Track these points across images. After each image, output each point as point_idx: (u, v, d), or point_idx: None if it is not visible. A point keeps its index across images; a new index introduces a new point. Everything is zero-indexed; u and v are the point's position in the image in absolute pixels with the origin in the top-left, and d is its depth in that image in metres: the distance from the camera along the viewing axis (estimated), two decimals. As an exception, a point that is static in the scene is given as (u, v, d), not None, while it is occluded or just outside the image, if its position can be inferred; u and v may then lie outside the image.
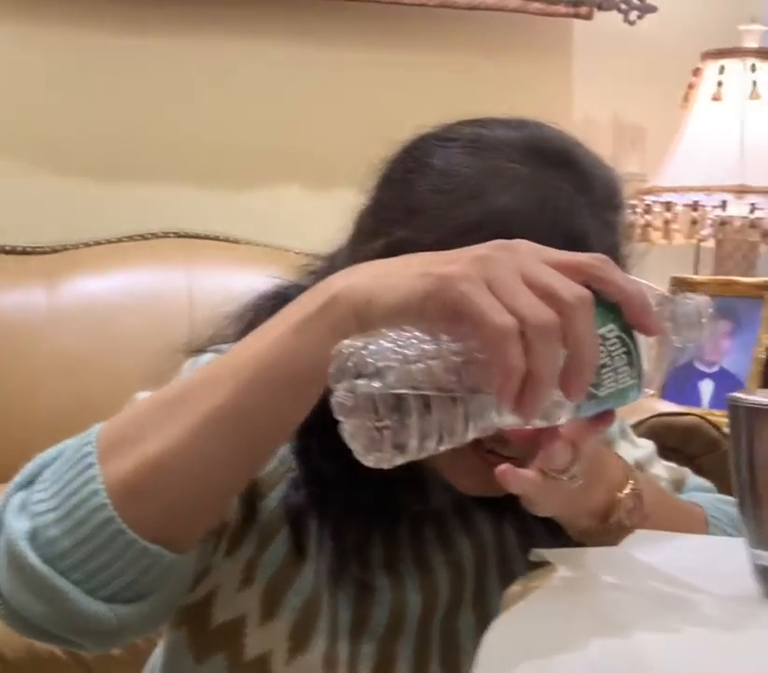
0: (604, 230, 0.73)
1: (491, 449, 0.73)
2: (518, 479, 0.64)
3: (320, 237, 0.83)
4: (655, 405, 1.84)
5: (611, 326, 0.59)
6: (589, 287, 0.58)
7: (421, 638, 0.79)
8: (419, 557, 0.80)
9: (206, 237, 2.06)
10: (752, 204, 2.11)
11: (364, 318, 0.59)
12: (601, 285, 0.58)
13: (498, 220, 0.70)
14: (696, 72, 2.25)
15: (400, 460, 0.55)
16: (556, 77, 2.58)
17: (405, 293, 0.57)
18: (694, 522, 0.79)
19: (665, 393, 2.04)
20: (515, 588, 0.62)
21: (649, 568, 0.63)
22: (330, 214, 0.79)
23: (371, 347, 0.54)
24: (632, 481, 0.72)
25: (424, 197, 0.74)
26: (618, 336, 0.59)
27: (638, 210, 2.21)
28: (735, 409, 0.58)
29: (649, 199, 2.20)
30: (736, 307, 2.09)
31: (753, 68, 2.17)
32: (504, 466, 0.64)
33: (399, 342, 0.54)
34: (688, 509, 0.84)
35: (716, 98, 2.18)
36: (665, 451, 1.80)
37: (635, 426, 1.77)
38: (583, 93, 2.63)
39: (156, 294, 1.89)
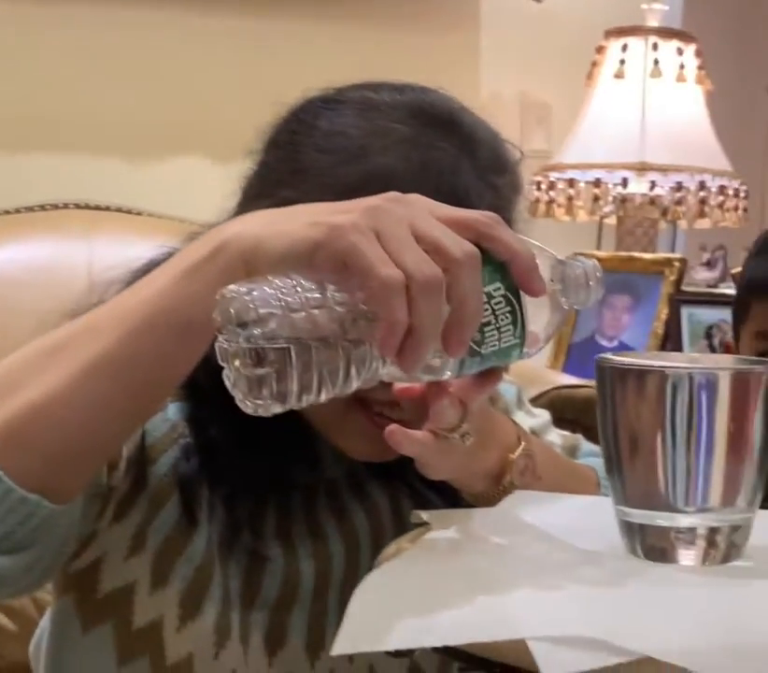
0: (488, 191, 0.73)
1: (381, 412, 0.74)
2: (407, 439, 0.65)
3: (222, 208, 0.82)
4: (555, 378, 1.87)
5: (498, 285, 0.59)
6: (478, 245, 0.58)
7: (316, 608, 0.79)
8: (313, 527, 0.80)
9: (107, 209, 2.03)
10: (652, 181, 2.15)
11: (253, 264, 0.58)
12: (490, 243, 0.59)
13: (381, 180, 0.70)
14: (599, 50, 2.28)
15: (279, 408, 0.55)
16: (463, 53, 2.58)
17: (294, 240, 0.57)
18: (586, 484, 0.81)
19: (566, 367, 2.07)
20: (390, 548, 0.63)
21: (526, 527, 0.64)
22: (231, 185, 0.79)
23: (254, 293, 0.54)
24: (524, 443, 0.73)
25: (309, 158, 0.74)
26: (503, 296, 0.60)
27: (542, 187, 2.24)
28: (601, 370, 0.59)
29: (553, 176, 2.23)
30: (636, 282, 2.13)
31: (654, 47, 2.20)
32: (392, 427, 0.65)
33: (283, 290, 0.54)
34: (580, 472, 0.85)
35: (618, 76, 2.20)
36: (564, 423, 1.84)
37: (536, 398, 1.79)
38: (490, 70, 2.64)
39: (55, 267, 1.85)
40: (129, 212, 2.05)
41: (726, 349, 1.09)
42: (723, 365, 0.59)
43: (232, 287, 0.54)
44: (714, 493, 0.56)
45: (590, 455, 0.92)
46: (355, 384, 0.56)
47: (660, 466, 0.56)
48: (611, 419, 0.58)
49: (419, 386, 0.67)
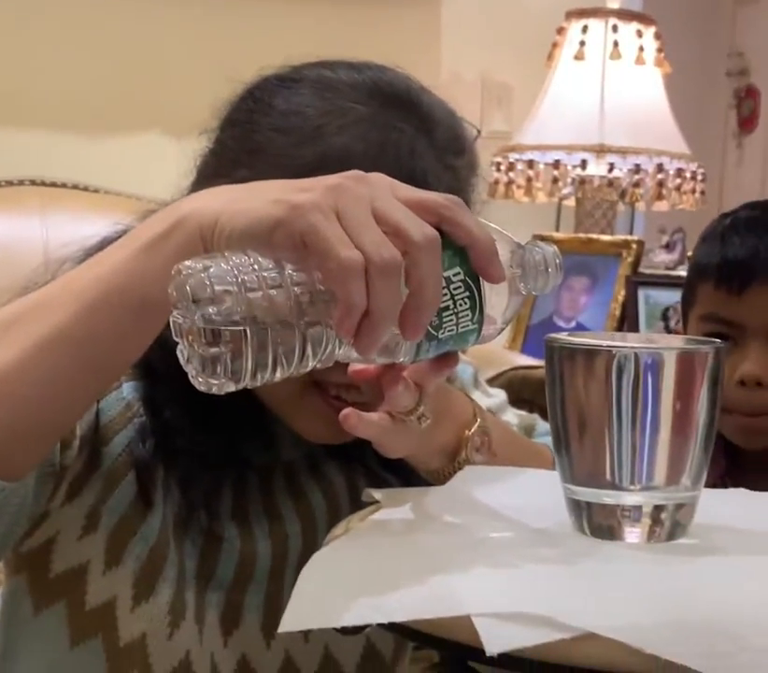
0: (446, 173, 0.73)
1: (338, 395, 0.74)
2: (363, 422, 0.65)
3: (178, 186, 0.82)
4: (513, 358, 1.88)
5: (457, 270, 0.59)
6: (439, 228, 0.58)
7: (272, 588, 0.79)
8: (270, 508, 0.80)
9: (64, 186, 2.01)
10: (611, 163, 2.15)
11: (211, 241, 0.58)
12: (450, 227, 0.58)
13: (338, 160, 0.69)
14: (560, 31, 2.27)
15: (233, 387, 0.54)
16: (424, 34, 2.57)
17: (254, 218, 0.56)
18: (541, 462, 0.81)
19: (524, 348, 2.08)
20: (339, 527, 0.63)
21: (475, 506, 0.64)
22: (188, 162, 0.78)
23: (211, 270, 0.53)
24: (479, 420, 0.74)
25: (265, 138, 0.73)
26: (462, 281, 0.59)
27: (502, 168, 2.24)
28: (551, 350, 0.59)
29: (513, 157, 2.23)
30: (594, 264, 2.14)
31: (614, 29, 2.20)
32: (347, 411, 0.65)
33: (241, 267, 0.54)
34: (535, 450, 0.86)
35: (578, 57, 2.20)
36: (521, 403, 1.85)
37: (494, 379, 1.80)
38: (450, 50, 2.63)
39: (10, 244, 1.83)
40: (85, 189, 2.03)
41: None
42: (671, 345, 0.59)
43: (188, 263, 0.54)
44: (659, 471, 0.57)
45: (546, 435, 0.92)
46: (311, 364, 0.56)
47: (606, 445, 0.57)
48: (559, 398, 0.59)
49: (374, 367, 0.67)
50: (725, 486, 0.99)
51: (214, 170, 0.76)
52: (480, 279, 0.60)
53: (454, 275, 0.59)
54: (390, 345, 0.59)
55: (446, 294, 0.59)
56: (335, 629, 0.53)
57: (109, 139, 2.21)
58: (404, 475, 0.77)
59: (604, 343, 0.57)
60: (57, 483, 0.72)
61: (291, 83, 0.76)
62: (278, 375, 0.55)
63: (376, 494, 0.67)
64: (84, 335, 0.60)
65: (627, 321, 2.02)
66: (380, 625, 0.50)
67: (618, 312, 2.03)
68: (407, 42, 2.46)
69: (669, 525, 0.58)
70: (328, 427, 0.71)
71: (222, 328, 0.53)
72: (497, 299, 0.61)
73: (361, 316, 0.55)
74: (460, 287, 0.59)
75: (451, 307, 0.59)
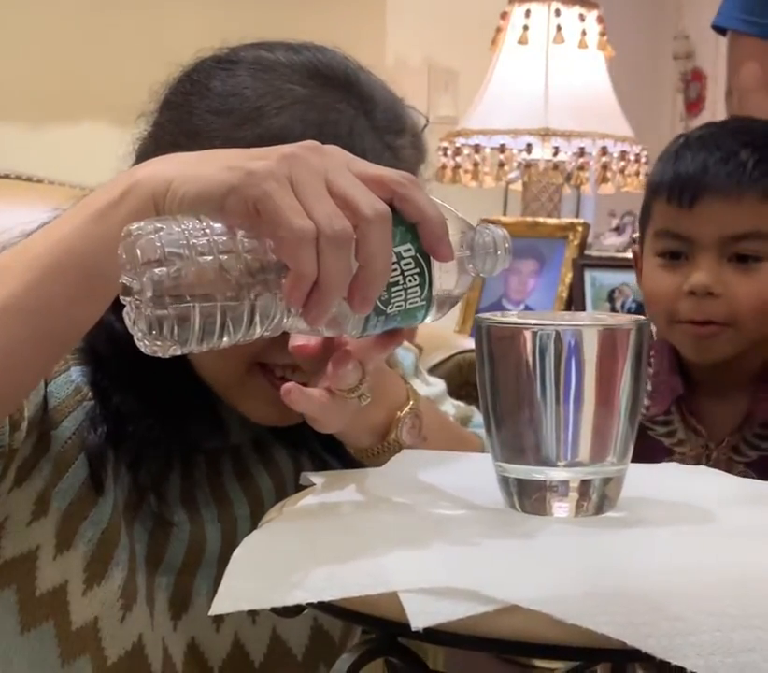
0: (386, 153, 0.73)
1: (284, 376, 0.74)
2: (303, 398, 0.65)
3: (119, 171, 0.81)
4: (462, 342, 1.89)
5: (408, 246, 0.59)
6: (392, 205, 0.58)
7: (222, 572, 0.78)
8: (218, 492, 0.80)
9: (7, 177, 1.98)
10: (555, 147, 2.17)
11: (163, 206, 0.57)
12: (402, 204, 0.59)
13: (277, 141, 0.69)
14: (503, 15, 2.28)
15: (178, 351, 0.54)
16: (369, 20, 2.57)
17: (207, 183, 0.56)
18: (470, 449, 0.82)
19: (473, 332, 2.09)
20: (273, 510, 0.63)
21: (408, 486, 0.65)
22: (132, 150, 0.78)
23: (161, 232, 0.53)
24: (412, 402, 0.74)
25: (203, 120, 0.73)
26: (413, 257, 0.60)
27: (449, 153, 2.24)
28: (479, 329, 0.60)
29: (459, 142, 2.24)
30: (541, 247, 2.16)
31: (557, 13, 2.21)
32: (289, 385, 0.65)
33: (192, 231, 0.53)
34: (465, 437, 0.87)
35: (522, 42, 2.21)
36: (470, 386, 1.85)
37: (443, 362, 1.81)
38: (396, 37, 2.63)
39: (-49, 236, 1.81)
40: (28, 179, 2.00)
41: (634, 258, 1.15)
42: (593, 322, 0.60)
43: (138, 224, 0.53)
44: (584, 447, 0.58)
45: (481, 427, 0.93)
46: (258, 332, 0.56)
47: (532, 422, 0.58)
48: (487, 376, 0.60)
49: (314, 343, 0.67)
50: (680, 411, 1.08)
51: (153, 153, 0.76)
52: (430, 257, 0.60)
53: (405, 251, 0.59)
54: (338, 317, 0.59)
55: (396, 270, 0.59)
56: (275, 612, 0.54)
57: (53, 129, 2.19)
58: (347, 458, 0.78)
59: (527, 321, 0.58)
60: (5, 467, 0.72)
61: (229, 65, 0.75)
62: (226, 341, 0.55)
63: (314, 477, 0.68)
64: (37, 303, 0.59)
65: (574, 302, 2.04)
66: (311, 605, 0.50)
67: (565, 294, 2.05)
68: (352, 28, 2.46)
69: (596, 499, 0.59)
70: (274, 409, 0.71)
71: (171, 291, 0.52)
72: (446, 278, 0.62)
73: (310, 286, 0.55)
74: (410, 263, 0.60)
75: (401, 282, 0.60)
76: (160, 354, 0.54)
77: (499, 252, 0.63)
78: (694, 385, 1.09)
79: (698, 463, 1.07)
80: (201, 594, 0.79)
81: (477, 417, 0.95)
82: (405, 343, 0.97)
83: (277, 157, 0.56)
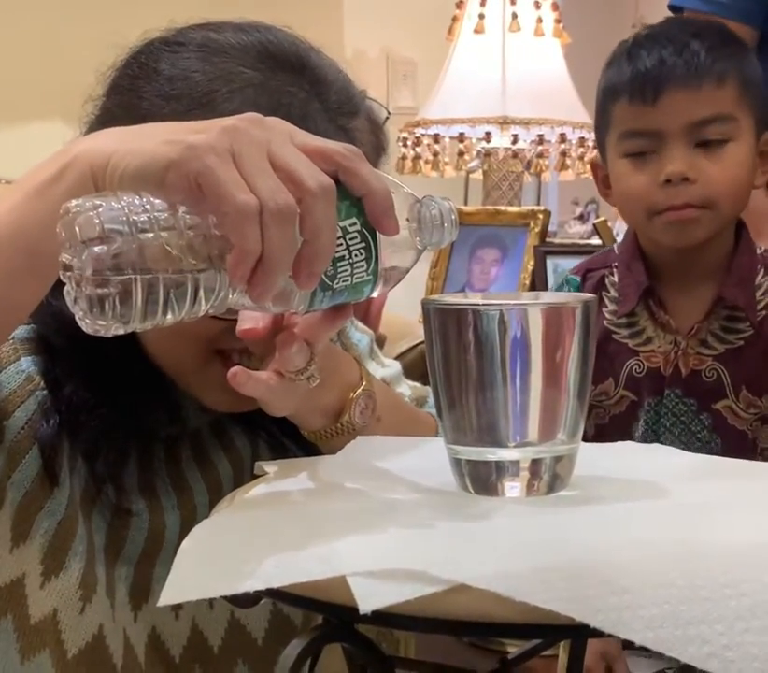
0: (339, 135, 0.73)
1: (240, 362, 0.74)
2: (251, 380, 0.65)
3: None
4: (426, 332, 1.88)
5: (354, 220, 0.59)
6: (337, 179, 0.57)
7: None
8: (177, 479, 0.80)
9: (-37, 177, 1.97)
10: (514, 135, 2.17)
11: (102, 181, 0.56)
12: (347, 177, 0.58)
13: None
14: (459, 5, 2.28)
15: (121, 330, 0.53)
16: (327, 13, 2.56)
17: (147, 158, 0.55)
18: (425, 430, 0.82)
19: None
20: (225, 499, 0.63)
21: (361, 471, 0.65)
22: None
23: (101, 209, 0.52)
24: (365, 383, 0.74)
25: (152, 104, 0.72)
26: (359, 231, 0.59)
27: (409, 143, 2.24)
28: (425, 311, 0.60)
29: (418, 132, 2.23)
30: (503, 235, 2.15)
31: (512, 1, 2.21)
32: (236, 369, 0.65)
33: (132, 207, 0.52)
34: (420, 417, 0.86)
35: (478, 31, 2.21)
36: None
37: (408, 351, 1.81)
38: (354, 28, 2.62)
39: None
40: (-16, 180, 1.99)
41: (593, 169, 1.21)
42: (538, 300, 0.60)
43: (77, 201, 0.52)
44: (533, 426, 0.58)
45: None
46: (203, 309, 0.55)
47: (481, 403, 0.57)
48: (436, 358, 0.59)
49: (262, 327, 0.67)
50: (647, 306, 1.15)
51: None
52: (376, 231, 0.60)
53: (350, 225, 0.59)
54: (284, 293, 0.58)
55: (341, 244, 0.58)
56: (230, 601, 0.53)
57: (7, 128, 2.17)
58: (304, 441, 0.77)
59: (472, 302, 0.57)
60: None
61: (177, 47, 0.74)
62: (170, 318, 0.54)
63: (267, 466, 0.67)
64: None
65: (537, 290, 2.04)
66: (260, 592, 0.50)
67: (528, 282, 2.05)
68: (310, 20, 2.43)
69: (548, 479, 0.58)
70: (230, 395, 0.71)
71: (111, 269, 0.51)
72: (393, 252, 0.61)
73: (255, 262, 0.54)
74: (356, 237, 0.59)
75: (347, 257, 0.59)
76: (102, 333, 0.53)
77: (445, 225, 0.63)
78: (660, 279, 1.15)
79: (667, 361, 1.13)
80: (160, 583, 0.77)
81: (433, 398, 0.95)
82: (361, 326, 0.97)
83: (218, 130, 0.55)
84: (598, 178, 1.19)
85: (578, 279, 1.20)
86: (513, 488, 0.58)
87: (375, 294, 0.63)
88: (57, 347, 0.75)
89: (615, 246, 1.23)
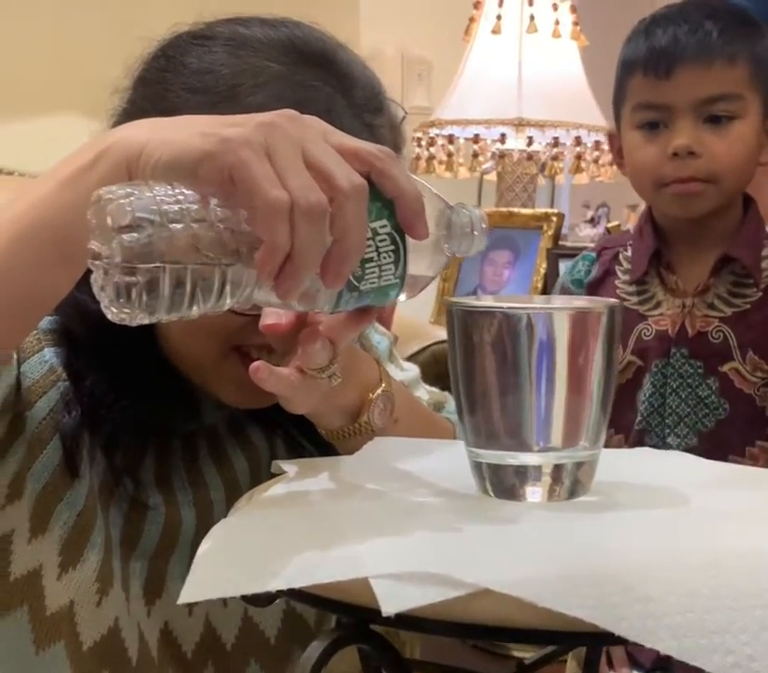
0: (364, 132, 0.73)
1: (259, 358, 0.73)
2: (273, 377, 0.64)
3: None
4: (438, 332, 1.88)
5: (384, 222, 0.58)
6: (370, 180, 0.57)
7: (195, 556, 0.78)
8: (194, 474, 0.80)
9: (-24, 169, 1.97)
10: (529, 137, 2.16)
11: (136, 170, 0.56)
12: (380, 179, 0.57)
13: None
14: (477, 5, 2.27)
15: (146, 320, 0.53)
16: (343, 11, 2.56)
17: (181, 149, 0.55)
18: (441, 434, 0.82)
19: (449, 322, 2.09)
20: (243, 498, 0.63)
21: (381, 472, 0.64)
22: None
23: (133, 197, 0.51)
24: (384, 384, 0.74)
25: (179, 98, 0.72)
26: (388, 234, 0.58)
27: (423, 143, 2.24)
28: (449, 313, 0.59)
29: (433, 132, 2.23)
30: (516, 238, 2.15)
31: (530, 2, 2.20)
32: (258, 363, 0.64)
33: (164, 197, 0.52)
34: (437, 421, 0.86)
35: (495, 32, 2.21)
36: (445, 377, 1.85)
37: (419, 352, 1.81)
38: (370, 27, 2.62)
39: None
40: (0, 171, 1.99)
41: (609, 141, 1.27)
42: (565, 305, 0.59)
43: (109, 188, 0.52)
44: (557, 431, 0.57)
45: (454, 413, 0.92)
46: (228, 303, 0.55)
47: (505, 407, 0.57)
48: (459, 361, 0.59)
49: (285, 322, 0.66)
50: (657, 270, 1.20)
51: None
52: (406, 234, 0.59)
53: (380, 227, 0.58)
54: (310, 292, 0.58)
55: (370, 245, 0.58)
56: (247, 601, 0.53)
57: (23, 121, 2.17)
58: (320, 439, 0.77)
59: (498, 305, 0.57)
60: None
61: (205, 41, 0.74)
62: (195, 310, 0.54)
63: (285, 465, 0.67)
64: (6, 270, 0.58)
65: (549, 293, 2.04)
66: (281, 593, 0.50)
67: (540, 284, 2.05)
68: (326, 18, 2.43)
69: (569, 484, 0.58)
70: (248, 392, 0.71)
71: (140, 257, 0.51)
72: (421, 257, 0.61)
73: (283, 258, 0.54)
74: (385, 239, 0.59)
75: (375, 258, 0.59)
76: (127, 322, 0.53)
77: (475, 233, 0.63)
78: (670, 247, 1.20)
79: (674, 324, 1.16)
80: (175, 578, 0.78)
81: (451, 403, 0.95)
82: (381, 328, 0.97)
83: (254, 125, 0.55)
84: (613, 149, 1.24)
85: (594, 254, 1.25)
86: (534, 493, 0.58)
87: (401, 299, 0.63)
88: (79, 339, 0.75)
89: (631, 228, 1.28)
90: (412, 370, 0.97)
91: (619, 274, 1.22)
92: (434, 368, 1.83)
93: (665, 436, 1.14)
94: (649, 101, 1.16)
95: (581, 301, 0.63)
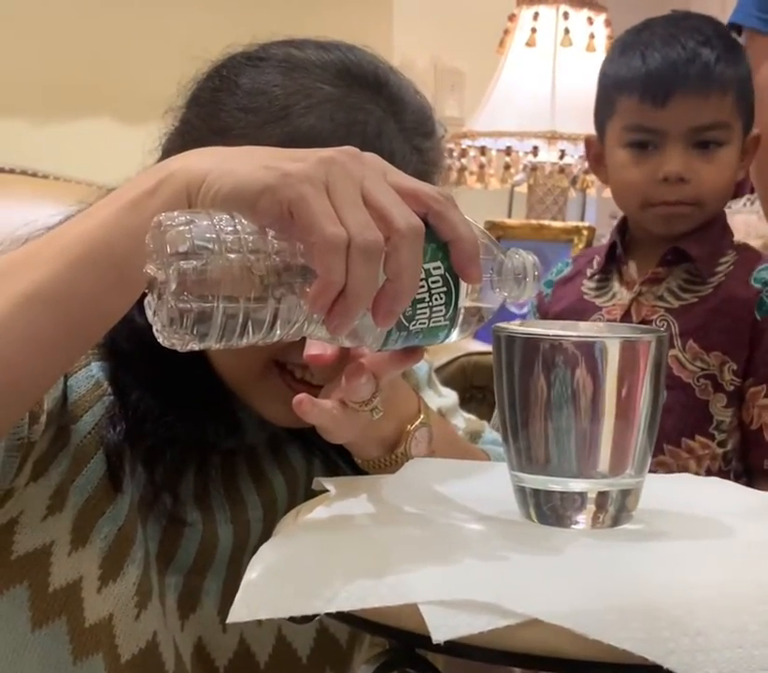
0: (413, 155, 0.73)
1: (302, 377, 0.74)
2: (315, 409, 0.65)
3: (132, 171, 0.81)
4: (466, 344, 1.89)
5: (438, 264, 0.58)
6: (426, 221, 0.57)
7: (231, 574, 0.79)
8: (232, 492, 0.80)
9: (12, 171, 1.98)
10: (562, 150, 2.17)
11: (197, 199, 0.57)
12: (436, 221, 0.58)
13: (304, 141, 0.69)
14: (511, 18, 2.28)
15: (196, 346, 0.53)
16: (377, 20, 2.57)
17: (243, 180, 0.55)
18: None
19: (478, 334, 2.09)
20: (289, 515, 0.63)
21: (424, 494, 0.65)
22: (137, 147, 0.78)
23: (192, 225, 0.52)
24: (423, 416, 0.74)
25: (231, 117, 0.73)
26: (442, 276, 0.58)
27: (455, 154, 2.24)
28: (497, 339, 0.60)
29: (465, 143, 2.24)
30: (546, 250, 2.15)
31: (565, 16, 2.21)
32: (301, 396, 0.64)
33: (223, 226, 0.53)
34: (473, 453, 0.86)
35: (529, 44, 2.21)
36: (474, 389, 1.85)
37: (447, 365, 1.81)
38: (403, 36, 2.63)
39: (-44, 231, 1.80)
40: (34, 175, 2.00)
41: (587, 144, 1.30)
42: (613, 333, 0.60)
43: (170, 214, 0.53)
44: (603, 458, 0.58)
45: (491, 443, 0.92)
46: (278, 335, 0.55)
47: (551, 433, 0.57)
48: (505, 386, 0.59)
49: (330, 353, 0.67)
50: (618, 265, 1.25)
51: (179, 149, 0.75)
52: (459, 277, 0.59)
53: (434, 268, 0.58)
54: (359, 329, 0.58)
55: (423, 287, 0.58)
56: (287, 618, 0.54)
57: (59, 124, 2.19)
58: (358, 466, 0.78)
59: (547, 332, 0.57)
60: (23, 460, 0.70)
61: (258, 62, 0.75)
62: (245, 341, 0.54)
63: (327, 483, 0.68)
64: (65, 292, 0.59)
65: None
66: (329, 615, 0.50)
67: (569, 298, 2.04)
68: (359, 27, 2.44)
69: (613, 511, 0.58)
70: (289, 409, 0.71)
71: (195, 285, 0.51)
72: (472, 300, 0.61)
73: (336, 294, 0.54)
74: (438, 281, 0.59)
75: (427, 299, 0.59)
76: (177, 348, 0.54)
77: (527, 279, 0.62)
78: (632, 240, 1.26)
79: (625, 314, 1.21)
80: (209, 594, 0.79)
81: (488, 432, 0.95)
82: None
83: (315, 160, 0.55)
84: (590, 155, 1.28)
85: (569, 260, 1.33)
86: (579, 520, 0.58)
87: (450, 340, 0.63)
88: (126, 353, 0.75)
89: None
90: (450, 397, 0.97)
91: (587, 273, 1.28)
92: (462, 381, 1.84)
93: None
94: (642, 125, 1.18)
95: (629, 329, 0.63)
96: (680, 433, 1.17)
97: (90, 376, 0.75)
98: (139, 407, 0.75)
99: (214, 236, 0.52)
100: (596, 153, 1.26)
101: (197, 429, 0.77)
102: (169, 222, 0.52)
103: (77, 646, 0.73)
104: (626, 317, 1.20)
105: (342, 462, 0.83)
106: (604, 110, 1.23)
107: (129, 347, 0.75)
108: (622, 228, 1.26)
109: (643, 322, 1.19)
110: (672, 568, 0.52)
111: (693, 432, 1.18)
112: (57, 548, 0.73)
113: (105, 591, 0.74)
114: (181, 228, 0.52)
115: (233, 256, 0.52)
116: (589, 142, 1.29)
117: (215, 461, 0.80)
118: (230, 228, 0.53)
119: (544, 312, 1.30)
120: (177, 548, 0.78)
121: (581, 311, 1.25)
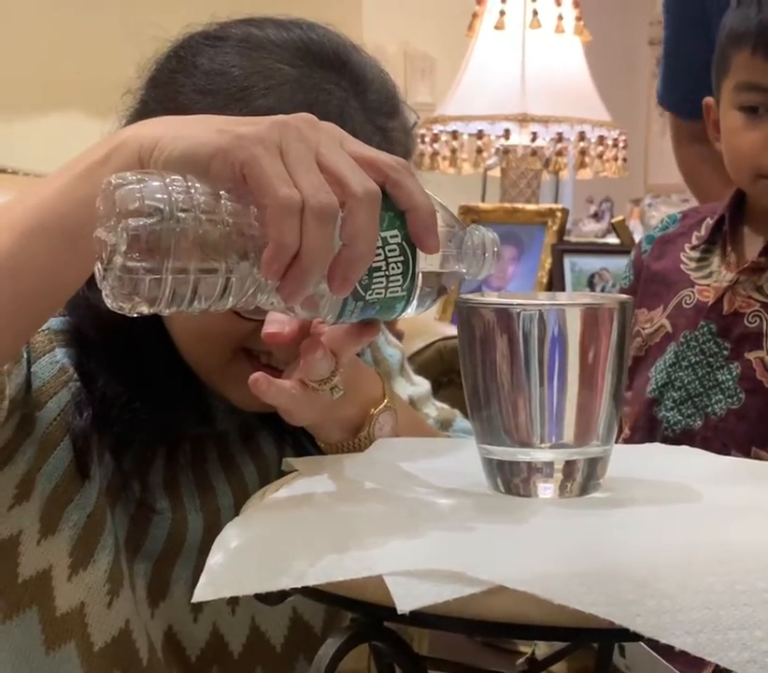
0: (376, 135, 0.72)
1: (268, 363, 0.73)
2: (273, 388, 0.64)
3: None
4: (443, 329, 1.89)
5: (395, 232, 0.57)
6: (383, 190, 0.56)
7: (201, 562, 0.77)
8: (202, 480, 0.79)
9: (-19, 168, 1.97)
10: (534, 132, 2.16)
11: (149, 163, 0.56)
12: (394, 189, 0.57)
13: None
14: (480, 1, 2.27)
15: (146, 310, 0.52)
16: (345, 7, 2.55)
17: (195, 143, 0.55)
18: None
19: (454, 319, 2.09)
20: (256, 495, 0.63)
21: (391, 470, 0.64)
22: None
23: (143, 184, 0.51)
24: (387, 400, 0.73)
25: (189, 99, 0.72)
26: (399, 244, 0.57)
27: (427, 140, 2.24)
28: (460, 310, 0.59)
29: (437, 128, 2.23)
30: (521, 233, 2.15)
31: (533, -2, 2.21)
32: (257, 375, 0.64)
33: (175, 187, 0.51)
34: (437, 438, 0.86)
35: (498, 27, 2.21)
36: (452, 373, 1.85)
37: (423, 350, 1.81)
38: (372, 23, 2.61)
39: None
40: (3, 171, 1.99)
41: (706, 109, 1.14)
42: (575, 301, 0.59)
43: (121, 174, 0.51)
44: (569, 427, 0.57)
45: (462, 432, 0.92)
46: (230, 303, 0.54)
47: (516, 404, 0.57)
48: (470, 358, 0.59)
49: (288, 332, 0.66)
50: (724, 242, 1.10)
51: None
52: (416, 248, 0.58)
53: (391, 236, 0.57)
54: (314, 298, 0.57)
55: (380, 255, 0.57)
56: (258, 599, 0.53)
57: (27, 120, 2.17)
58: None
59: (509, 301, 0.57)
60: None
61: (217, 41, 0.74)
62: (196, 306, 0.53)
63: (295, 463, 0.67)
64: (19, 264, 0.58)
65: (554, 288, 2.04)
66: (295, 591, 0.50)
67: (545, 280, 2.05)
68: (328, 14, 2.44)
69: (581, 480, 0.58)
70: (255, 394, 0.71)
71: (144, 247, 0.50)
72: (430, 272, 0.60)
73: (290, 258, 0.53)
74: (395, 250, 0.58)
75: (383, 268, 0.58)
76: (127, 312, 0.52)
77: (486, 255, 0.62)
78: (748, 220, 1.11)
79: (717, 301, 1.07)
80: (180, 583, 0.78)
81: (459, 420, 0.94)
82: (394, 341, 0.96)
83: (269, 123, 0.55)
84: (709, 121, 1.14)
85: (679, 215, 1.18)
86: (546, 489, 0.58)
87: (407, 314, 0.61)
88: (91, 339, 0.74)
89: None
90: (422, 386, 0.96)
91: (694, 239, 1.13)
92: (439, 365, 1.83)
93: (669, 410, 1.07)
94: (755, 82, 1.04)
95: (591, 297, 0.63)
96: (751, 441, 1.04)
97: (54, 362, 0.74)
98: (106, 393, 0.74)
99: (165, 196, 0.51)
100: (715, 120, 1.11)
101: (165, 416, 0.76)
102: (119, 182, 0.51)
103: (49, 635, 0.73)
104: (717, 304, 1.07)
105: (315, 450, 0.82)
106: (719, 68, 1.08)
107: (94, 333, 0.74)
108: (737, 200, 1.11)
109: (734, 313, 1.06)
110: (637, 533, 0.52)
111: (766, 442, 1.04)
112: (25, 537, 0.72)
113: (75, 579, 0.73)
114: (131, 187, 0.51)
115: (183, 215, 0.51)
116: (708, 106, 1.14)
117: (185, 448, 0.79)
118: (181, 188, 0.52)
119: (638, 268, 1.16)
120: (145, 535, 0.77)
121: (673, 282, 1.12)
